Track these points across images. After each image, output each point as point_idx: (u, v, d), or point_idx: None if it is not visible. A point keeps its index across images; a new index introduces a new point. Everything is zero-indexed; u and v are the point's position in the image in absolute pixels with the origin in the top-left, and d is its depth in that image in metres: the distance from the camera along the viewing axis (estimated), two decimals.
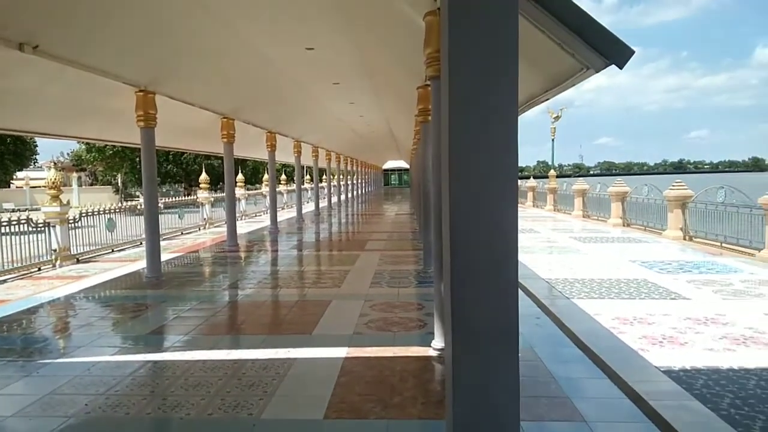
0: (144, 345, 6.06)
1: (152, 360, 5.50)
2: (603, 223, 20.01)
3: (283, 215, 25.05)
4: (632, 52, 4.11)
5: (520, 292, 8.26)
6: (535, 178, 39.46)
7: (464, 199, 2.77)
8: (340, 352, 5.58)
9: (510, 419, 2.84)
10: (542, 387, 4.74)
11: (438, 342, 5.47)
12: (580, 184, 23.99)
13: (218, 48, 9.69)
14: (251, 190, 32.99)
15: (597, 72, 4.38)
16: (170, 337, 6.37)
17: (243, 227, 19.92)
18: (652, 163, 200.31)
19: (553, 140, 36.22)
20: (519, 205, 33.29)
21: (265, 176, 28.31)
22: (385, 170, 72.51)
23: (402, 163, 66.93)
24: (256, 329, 6.60)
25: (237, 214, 20.94)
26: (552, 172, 28.23)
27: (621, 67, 4.28)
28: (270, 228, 18.03)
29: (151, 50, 8.58)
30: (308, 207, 29.22)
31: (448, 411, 2.94)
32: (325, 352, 5.59)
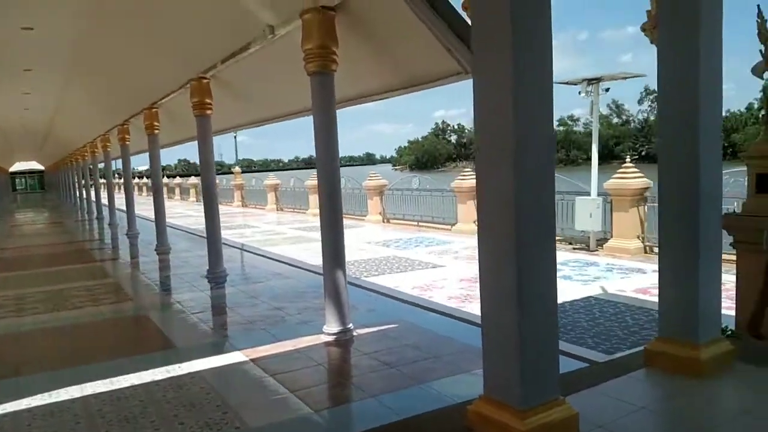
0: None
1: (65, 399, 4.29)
2: (303, 214, 21.59)
3: None
4: None
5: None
6: (181, 176, 39.95)
7: (527, 176, 3.31)
8: (238, 356, 5.33)
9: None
10: (446, 346, 5.52)
11: (332, 327, 5.72)
12: (271, 179, 25.23)
13: None
14: None
15: None
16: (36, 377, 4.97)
17: None
18: (286, 160, 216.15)
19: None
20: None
21: None
22: (12, 173, 61.16)
23: (34, 165, 57.58)
24: (108, 353, 5.58)
25: None
26: (237, 169, 28.73)
27: None
28: None
29: None
30: None
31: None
32: (223, 360, 5.26)
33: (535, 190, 3.35)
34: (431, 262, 10.51)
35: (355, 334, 5.81)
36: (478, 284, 8.30)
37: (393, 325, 6.13)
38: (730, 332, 4.75)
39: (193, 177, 37.64)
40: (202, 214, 9.17)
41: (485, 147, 3.46)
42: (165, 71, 9.62)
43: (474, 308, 7.06)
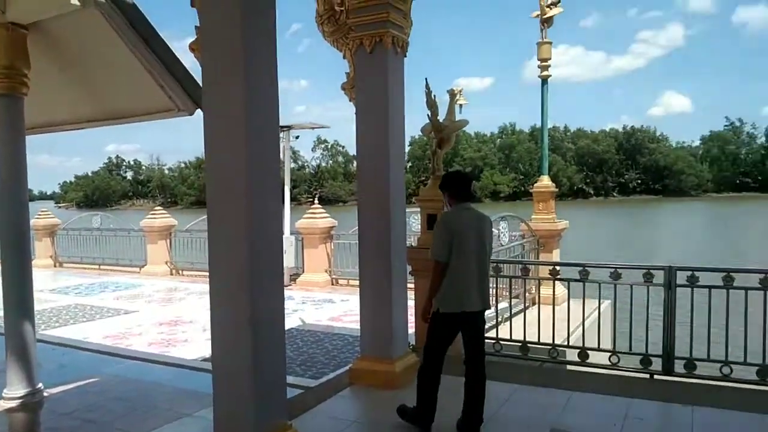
0: None
1: None
2: None
3: None
4: None
5: None
6: None
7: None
8: None
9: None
10: (158, 393, 5.27)
11: (16, 390, 4.91)
12: None
13: None
14: None
15: (190, 115, 5.38)
16: None
17: None
18: None
19: None
20: None
21: None
22: None
23: None
24: None
25: None
26: None
27: None
28: None
29: None
30: None
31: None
32: None
33: (266, 226, 3.56)
34: (122, 307, 9.73)
35: (45, 394, 5.08)
36: (177, 327, 8.11)
37: (92, 380, 5.56)
38: (411, 347, 5.69)
39: None
40: None
41: (216, 184, 3.53)
42: None
43: (179, 351, 6.87)
